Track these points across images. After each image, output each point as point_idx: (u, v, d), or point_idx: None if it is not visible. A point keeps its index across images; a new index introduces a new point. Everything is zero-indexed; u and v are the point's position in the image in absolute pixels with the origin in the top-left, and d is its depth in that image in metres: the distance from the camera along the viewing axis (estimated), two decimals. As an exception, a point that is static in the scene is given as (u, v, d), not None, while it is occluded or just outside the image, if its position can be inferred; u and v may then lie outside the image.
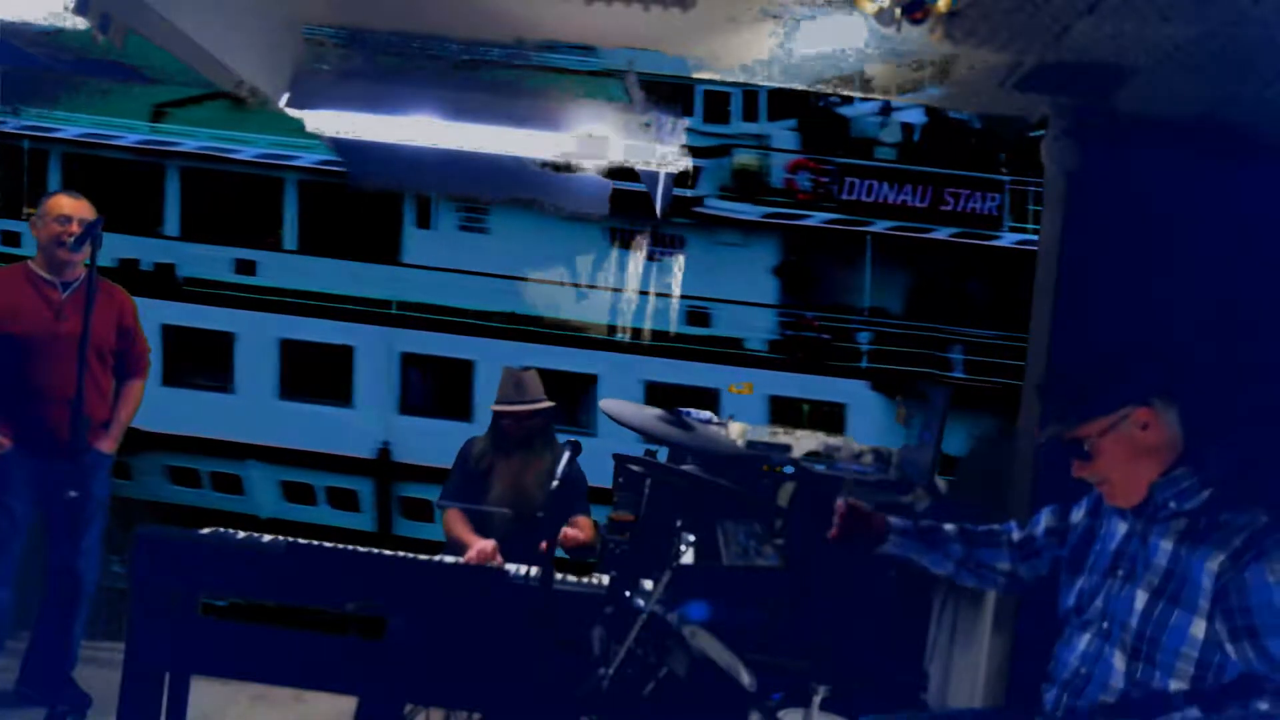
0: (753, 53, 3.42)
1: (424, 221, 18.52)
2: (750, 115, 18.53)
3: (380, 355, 17.88)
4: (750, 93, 18.06)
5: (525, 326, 17.68)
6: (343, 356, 17.91)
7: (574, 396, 16.50)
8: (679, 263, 18.35)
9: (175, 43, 3.30)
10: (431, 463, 16.95)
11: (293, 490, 18.03)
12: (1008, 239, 17.76)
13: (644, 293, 18.22)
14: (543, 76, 4.14)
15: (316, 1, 3.70)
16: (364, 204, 17.97)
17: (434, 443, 16.92)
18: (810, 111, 18.36)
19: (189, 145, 18.01)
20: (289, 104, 3.95)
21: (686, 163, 4.13)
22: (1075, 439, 2.34)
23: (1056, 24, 2.73)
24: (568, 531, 4.05)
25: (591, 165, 4.40)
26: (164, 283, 17.11)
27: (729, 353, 17.93)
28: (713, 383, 17.31)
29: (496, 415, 4.20)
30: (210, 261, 17.83)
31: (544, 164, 4.46)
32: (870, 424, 16.35)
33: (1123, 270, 3.22)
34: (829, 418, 16.59)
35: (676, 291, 18.24)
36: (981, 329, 17.65)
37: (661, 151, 4.02)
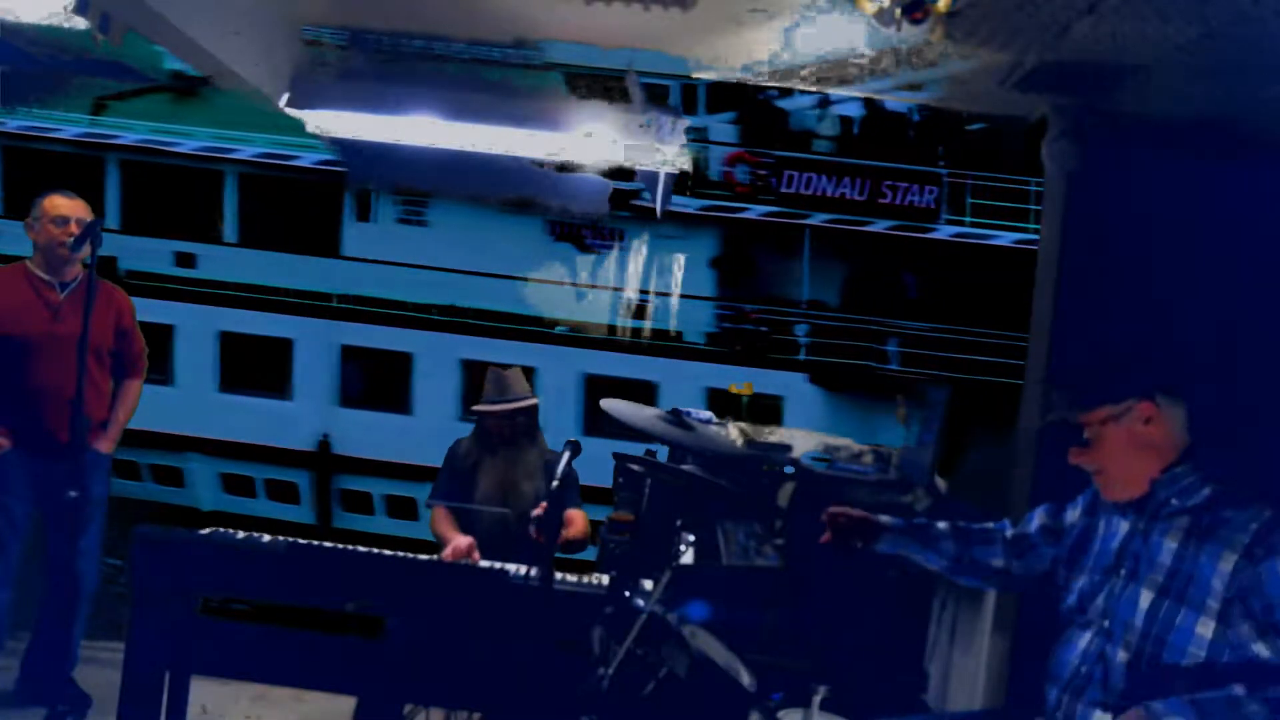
0: (753, 53, 3.42)
1: (364, 214, 18.52)
2: (689, 108, 18.45)
3: (320, 348, 17.87)
4: (689, 86, 17.99)
5: (465, 319, 17.65)
6: (282, 349, 17.89)
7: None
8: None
9: (175, 43, 3.30)
10: (371, 455, 17.27)
11: (233, 483, 18.00)
12: (945, 231, 17.78)
13: (583, 285, 18.19)
14: (540, 76, 4.15)
15: (316, 1, 3.70)
16: (304, 197, 18.02)
17: (373, 435, 17.30)
18: (749, 104, 18.35)
19: (129, 138, 17.99)
20: (289, 104, 3.95)
21: (686, 162, 4.14)
22: (1077, 425, 2.34)
23: (1056, 24, 2.73)
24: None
25: (591, 165, 4.40)
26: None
27: (668, 345, 17.96)
28: (651, 375, 17.30)
29: (480, 415, 4.16)
30: (151, 254, 17.71)
31: (543, 164, 4.47)
32: (807, 416, 16.41)
33: (1122, 270, 3.22)
34: (766, 410, 16.52)
35: (621, 285, 18.25)
36: (919, 321, 17.71)
37: (661, 151, 4.03)
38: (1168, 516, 2.29)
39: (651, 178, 4.63)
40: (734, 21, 3.17)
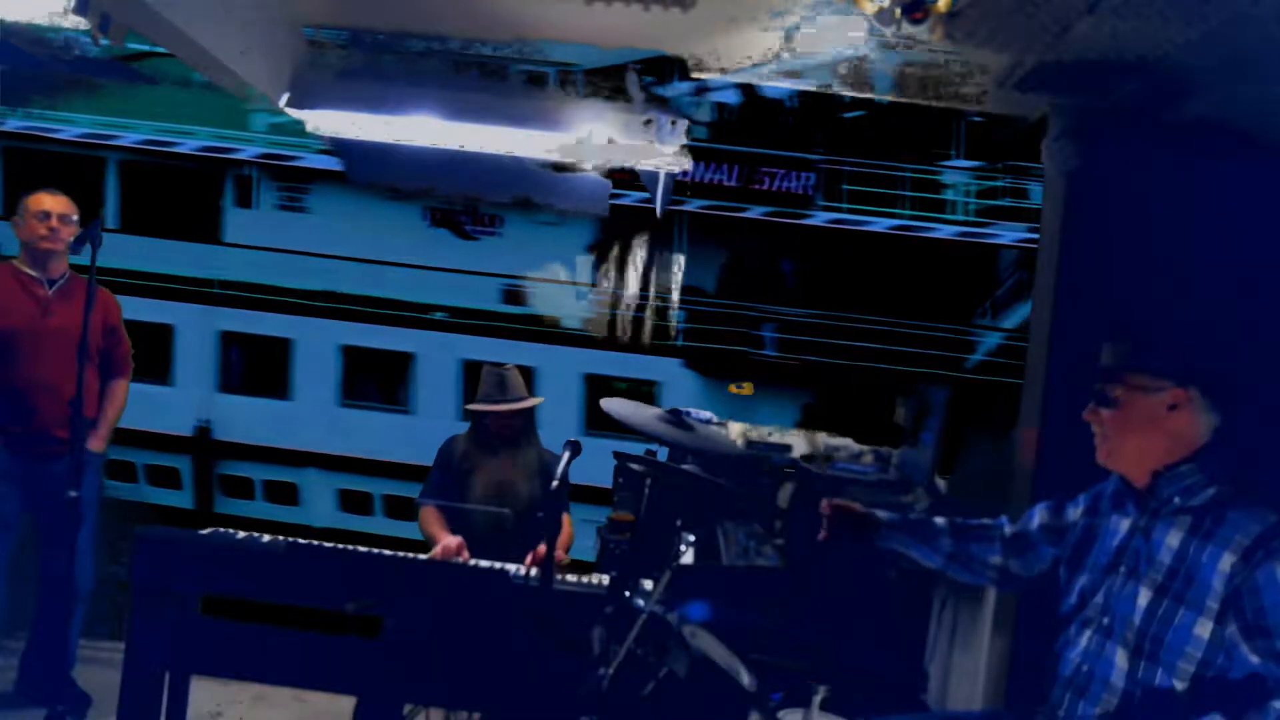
0: (753, 53, 3.42)
1: (244, 201, 18.51)
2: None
3: (200, 333, 17.88)
4: (565, 72, 17.91)
5: (344, 305, 17.67)
6: (163, 335, 17.77)
7: (391, 375, 16.97)
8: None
9: (175, 43, 3.30)
10: (250, 441, 17.31)
11: (114, 469, 18.01)
12: (820, 218, 17.85)
13: (462, 271, 18.14)
14: (539, 75, 4.16)
15: (316, 1, 3.71)
16: (184, 184, 18.06)
17: (253, 421, 17.32)
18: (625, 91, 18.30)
19: (10, 125, 17.89)
20: (289, 104, 3.95)
21: (687, 162, 4.14)
22: (1111, 380, 2.34)
23: (1056, 24, 2.74)
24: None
25: (591, 165, 4.40)
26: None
27: (546, 331, 17.98)
28: (529, 361, 17.47)
29: (478, 415, 4.13)
30: None
31: (543, 164, 4.47)
32: (682, 401, 16.50)
33: (1122, 270, 3.22)
34: (642, 395, 16.52)
35: (500, 271, 18.18)
36: (793, 307, 17.83)
37: (661, 151, 4.03)
38: (1169, 515, 2.28)
39: (652, 178, 4.63)
40: (734, 21, 3.18)
